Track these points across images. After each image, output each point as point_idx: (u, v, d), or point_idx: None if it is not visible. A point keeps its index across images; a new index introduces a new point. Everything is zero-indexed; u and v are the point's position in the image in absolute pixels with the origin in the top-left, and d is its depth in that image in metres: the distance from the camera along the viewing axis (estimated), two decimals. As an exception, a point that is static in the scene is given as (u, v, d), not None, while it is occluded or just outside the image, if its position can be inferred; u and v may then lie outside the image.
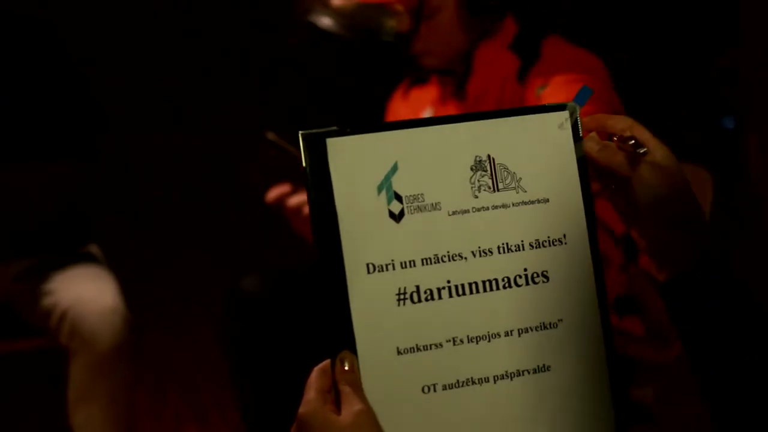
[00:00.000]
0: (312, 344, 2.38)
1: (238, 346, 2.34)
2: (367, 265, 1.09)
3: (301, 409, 1.07)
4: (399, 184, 1.10)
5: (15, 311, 2.71)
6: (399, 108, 2.47)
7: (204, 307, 3.75)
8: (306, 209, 2.23)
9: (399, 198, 1.10)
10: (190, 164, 3.87)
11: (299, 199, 2.24)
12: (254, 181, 2.38)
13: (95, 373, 2.57)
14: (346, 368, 1.08)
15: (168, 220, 3.73)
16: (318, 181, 1.09)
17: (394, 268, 1.10)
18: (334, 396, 1.08)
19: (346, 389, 1.07)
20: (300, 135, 1.10)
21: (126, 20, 4.27)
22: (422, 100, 2.41)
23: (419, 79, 2.44)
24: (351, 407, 1.06)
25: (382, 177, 1.10)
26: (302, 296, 2.35)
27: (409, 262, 1.10)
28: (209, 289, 3.53)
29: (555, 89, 2.17)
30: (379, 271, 1.09)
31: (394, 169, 1.10)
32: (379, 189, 1.10)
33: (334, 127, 1.10)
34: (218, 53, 4.48)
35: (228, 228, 3.64)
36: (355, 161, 1.10)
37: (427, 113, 2.39)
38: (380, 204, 1.10)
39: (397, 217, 1.10)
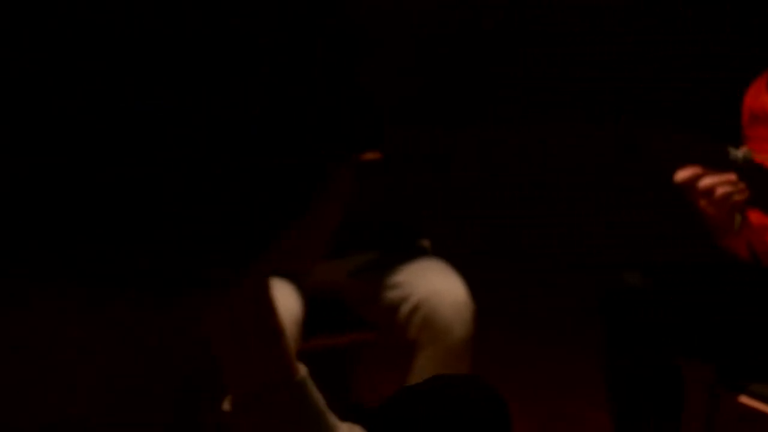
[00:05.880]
0: (696, 343, 2.37)
1: (618, 343, 2.33)
2: None
3: None
4: None
5: (347, 305, 2.72)
6: (764, 101, 2.43)
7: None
8: (719, 191, 2.20)
9: None
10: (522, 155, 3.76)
11: (711, 180, 2.21)
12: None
13: (443, 366, 2.58)
14: None
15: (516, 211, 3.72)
16: None
17: None
18: None
19: None
20: None
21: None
22: (796, 94, 2.38)
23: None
24: None
25: None
26: (689, 292, 2.33)
27: None
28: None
29: None
30: None
31: None
32: None
33: None
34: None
35: (598, 222, 3.62)
36: None
37: (804, 109, 2.35)
38: None
39: None
